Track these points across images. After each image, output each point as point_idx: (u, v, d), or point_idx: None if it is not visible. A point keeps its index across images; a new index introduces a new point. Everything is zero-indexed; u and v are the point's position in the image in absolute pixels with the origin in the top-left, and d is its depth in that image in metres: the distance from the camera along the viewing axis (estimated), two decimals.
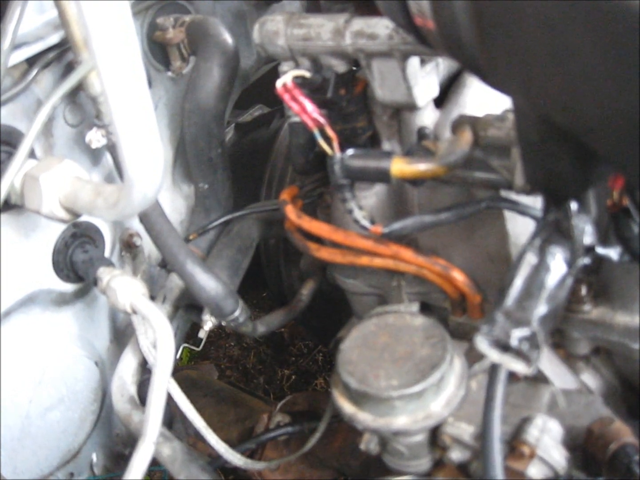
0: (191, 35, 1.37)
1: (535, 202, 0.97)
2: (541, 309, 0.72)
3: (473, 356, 1.01)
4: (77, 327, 1.33)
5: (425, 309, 1.22)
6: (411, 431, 0.94)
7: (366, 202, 1.16)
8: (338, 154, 1.00)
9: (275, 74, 1.10)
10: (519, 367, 0.72)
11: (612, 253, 0.79)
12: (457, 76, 1.13)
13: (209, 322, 1.27)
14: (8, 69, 1.08)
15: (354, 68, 1.09)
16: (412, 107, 1.06)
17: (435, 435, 0.98)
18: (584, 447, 0.93)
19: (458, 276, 1.09)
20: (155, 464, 1.12)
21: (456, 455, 0.97)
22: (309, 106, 1.00)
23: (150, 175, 0.87)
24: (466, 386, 0.97)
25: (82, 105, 1.25)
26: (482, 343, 0.73)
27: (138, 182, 0.87)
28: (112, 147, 1.20)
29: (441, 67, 1.07)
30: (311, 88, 1.05)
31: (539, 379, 1.01)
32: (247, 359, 2.46)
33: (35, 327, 1.24)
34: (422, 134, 1.03)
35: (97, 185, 1.04)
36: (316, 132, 1.00)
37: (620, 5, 0.45)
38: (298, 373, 2.36)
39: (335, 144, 1.00)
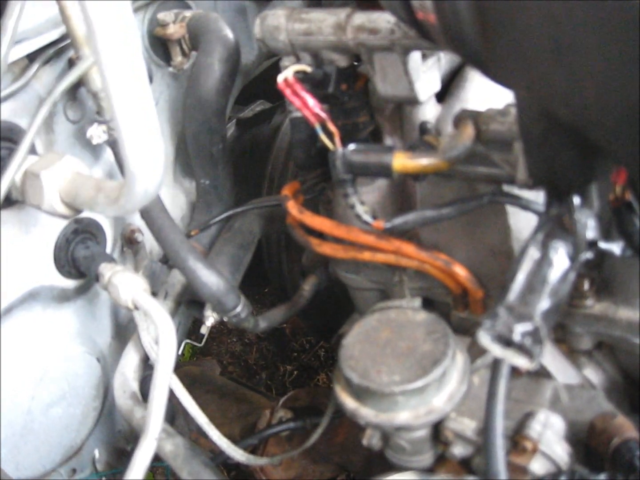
0: (192, 30, 1.37)
1: (538, 197, 0.97)
2: (544, 303, 0.72)
3: (475, 351, 1.01)
4: (79, 324, 1.33)
5: (428, 304, 1.22)
6: (413, 426, 0.94)
7: (368, 197, 1.16)
8: (340, 149, 1.00)
9: (276, 69, 1.10)
10: (522, 362, 0.72)
11: (615, 247, 0.79)
12: (459, 70, 1.13)
13: (210, 318, 1.27)
14: (8, 65, 1.08)
15: (356, 63, 1.09)
16: (413, 102, 1.06)
17: (437, 430, 0.98)
18: (587, 442, 0.93)
19: (460, 271, 1.08)
20: (157, 460, 1.12)
21: (458, 450, 0.97)
22: (311, 101, 1.00)
23: (151, 171, 0.87)
24: (468, 381, 0.97)
25: (83, 101, 1.24)
26: (484, 338, 0.73)
27: (139, 178, 0.87)
28: (113, 143, 1.20)
29: (443, 61, 1.07)
30: (312, 83, 1.05)
31: (542, 374, 1.01)
32: (249, 355, 2.46)
33: (36, 323, 1.24)
34: (423, 128, 1.03)
35: (98, 181, 1.04)
36: (318, 127, 1.00)
37: (621, 4, 0.45)
38: (300, 369, 2.36)
39: (337, 139, 1.00)
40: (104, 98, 1.16)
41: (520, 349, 0.72)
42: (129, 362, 1.30)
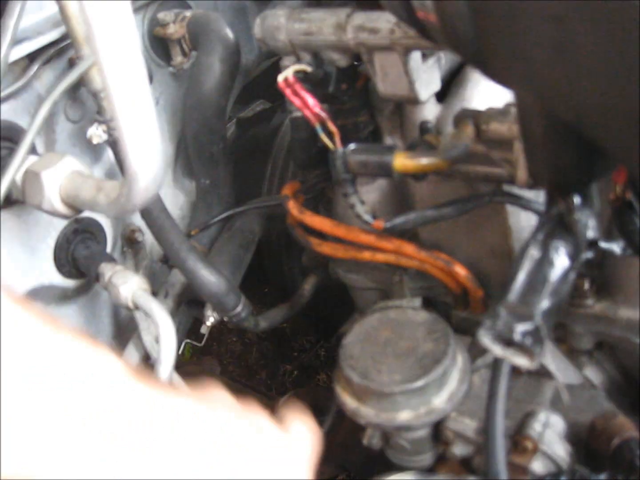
0: (192, 30, 1.37)
1: (538, 196, 0.97)
2: (544, 303, 0.72)
3: (476, 351, 1.01)
4: (79, 323, 1.33)
5: (428, 304, 1.22)
6: (414, 426, 0.94)
7: (368, 196, 1.16)
8: (340, 149, 1.00)
9: (276, 69, 1.10)
10: (522, 361, 0.72)
11: (615, 247, 0.79)
12: (459, 70, 1.13)
13: (211, 318, 1.27)
14: (9, 65, 1.08)
15: (356, 63, 1.09)
16: (414, 102, 1.06)
17: (438, 430, 0.98)
18: (587, 442, 0.93)
19: (460, 271, 1.08)
20: None
21: (459, 450, 0.97)
22: (311, 101, 1.00)
23: (152, 171, 0.87)
24: (469, 381, 0.97)
25: (83, 101, 1.24)
26: (485, 337, 0.73)
27: (139, 178, 0.87)
28: (113, 143, 1.20)
29: (443, 61, 1.07)
30: (313, 83, 1.05)
31: (542, 373, 1.01)
32: (249, 355, 2.46)
33: None
34: (424, 128, 1.03)
35: (99, 181, 1.04)
36: (318, 126, 1.00)
37: (622, 4, 0.45)
38: (300, 368, 2.36)
39: (337, 139, 1.00)
40: (104, 98, 1.16)
41: (521, 348, 0.72)
42: (130, 361, 1.30)
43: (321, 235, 1.20)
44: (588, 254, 0.77)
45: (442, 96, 1.11)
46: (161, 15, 1.36)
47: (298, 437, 0.78)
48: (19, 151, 1.06)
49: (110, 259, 1.25)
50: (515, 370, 0.89)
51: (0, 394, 0.53)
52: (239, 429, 0.67)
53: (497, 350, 0.73)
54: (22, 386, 0.54)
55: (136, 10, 1.33)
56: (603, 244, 0.78)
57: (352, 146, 1.00)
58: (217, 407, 0.67)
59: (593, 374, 1.06)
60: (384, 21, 0.98)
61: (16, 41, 1.06)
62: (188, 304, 1.37)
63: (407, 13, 0.70)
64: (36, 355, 0.56)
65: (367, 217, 1.04)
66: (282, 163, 1.68)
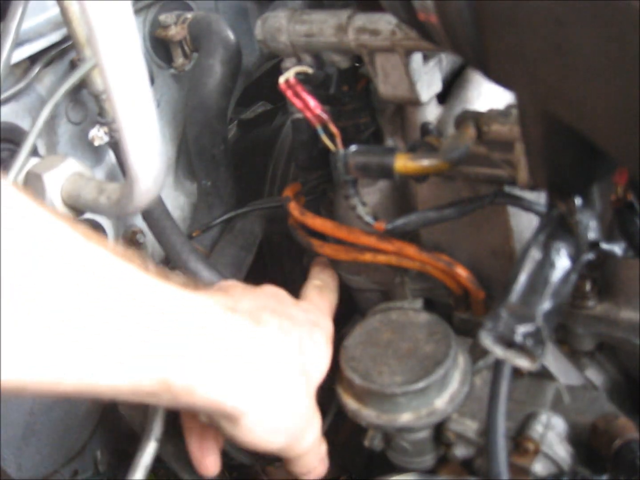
0: (193, 32, 1.37)
1: (539, 198, 0.97)
2: (546, 304, 0.72)
3: (477, 352, 1.01)
4: None
5: (429, 305, 1.22)
6: (415, 427, 0.94)
7: (369, 198, 1.16)
8: (341, 151, 1.00)
9: (277, 70, 1.10)
10: (524, 363, 0.72)
11: (616, 248, 0.79)
12: (460, 71, 1.13)
13: None
14: (10, 67, 1.08)
15: (357, 64, 1.09)
16: (415, 103, 1.06)
17: (439, 431, 0.98)
18: (589, 443, 0.92)
19: (461, 272, 1.08)
20: (159, 461, 1.12)
21: (460, 451, 0.97)
22: (312, 102, 1.00)
23: (153, 173, 0.87)
24: (470, 382, 0.97)
25: (85, 103, 1.25)
26: (486, 339, 0.73)
27: (141, 180, 0.87)
28: (114, 145, 1.20)
29: (444, 62, 1.07)
30: (314, 84, 1.05)
31: (543, 375, 1.01)
32: None
33: None
34: (425, 129, 1.03)
35: (100, 182, 1.04)
36: (319, 128, 1.00)
37: (622, 4, 0.46)
38: None
39: (338, 140, 1.00)
40: (105, 100, 1.16)
41: (522, 349, 0.72)
42: None
43: (322, 237, 1.20)
44: (589, 256, 0.77)
45: (443, 98, 1.11)
46: (162, 17, 1.36)
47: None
48: (20, 153, 1.06)
49: None
50: (517, 372, 0.89)
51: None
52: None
53: (498, 351, 0.73)
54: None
55: (137, 12, 1.34)
56: (604, 246, 0.78)
57: (353, 148, 1.00)
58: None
59: (594, 375, 1.06)
60: (385, 23, 0.98)
61: (18, 43, 1.06)
62: None
63: (408, 14, 0.70)
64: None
65: (369, 219, 1.04)
66: (283, 165, 1.68)
